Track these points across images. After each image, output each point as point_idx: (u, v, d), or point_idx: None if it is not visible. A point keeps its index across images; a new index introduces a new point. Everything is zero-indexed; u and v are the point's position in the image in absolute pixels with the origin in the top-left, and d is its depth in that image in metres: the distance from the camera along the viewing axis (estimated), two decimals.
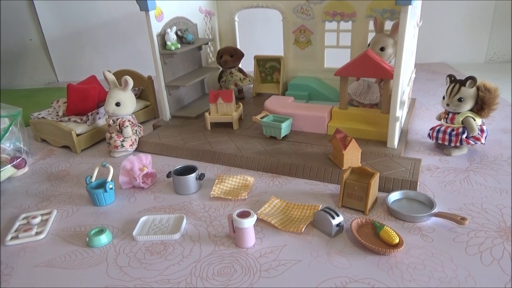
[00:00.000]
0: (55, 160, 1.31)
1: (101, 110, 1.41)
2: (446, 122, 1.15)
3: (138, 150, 1.31)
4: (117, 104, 1.26)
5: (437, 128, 1.16)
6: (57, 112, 1.48)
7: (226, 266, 0.76)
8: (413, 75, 1.46)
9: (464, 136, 1.10)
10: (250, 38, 1.96)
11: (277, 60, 1.61)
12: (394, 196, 0.94)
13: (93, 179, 1.04)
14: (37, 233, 0.90)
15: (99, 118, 1.41)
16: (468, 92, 1.08)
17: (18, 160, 1.20)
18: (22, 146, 1.25)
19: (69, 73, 2.49)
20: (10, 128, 1.22)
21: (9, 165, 1.17)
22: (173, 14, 1.42)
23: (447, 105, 1.12)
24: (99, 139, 1.41)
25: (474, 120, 1.09)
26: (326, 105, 1.32)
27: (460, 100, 1.09)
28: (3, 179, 1.15)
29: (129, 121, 1.28)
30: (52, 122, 1.38)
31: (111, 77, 1.27)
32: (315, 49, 1.54)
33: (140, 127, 1.36)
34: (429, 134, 1.19)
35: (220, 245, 0.82)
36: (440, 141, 1.15)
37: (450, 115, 1.13)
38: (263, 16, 2.12)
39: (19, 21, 2.35)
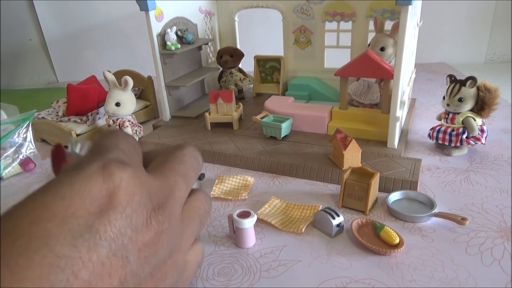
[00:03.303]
0: None
1: (101, 110, 1.41)
2: (446, 122, 1.15)
3: None
4: (117, 104, 1.25)
5: (437, 128, 1.16)
6: (57, 112, 1.48)
7: (226, 266, 0.76)
8: (413, 75, 1.46)
9: (464, 136, 1.10)
10: (250, 38, 1.96)
11: (277, 60, 1.61)
12: (394, 196, 0.93)
13: None
14: None
15: (99, 118, 1.41)
16: (468, 92, 1.08)
17: (28, 163, 1.23)
18: (34, 148, 1.27)
19: (69, 73, 2.49)
20: (12, 133, 1.23)
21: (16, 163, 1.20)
22: (173, 14, 1.42)
23: (447, 105, 1.12)
24: None
25: (475, 120, 1.09)
26: (326, 105, 1.32)
27: (460, 100, 1.09)
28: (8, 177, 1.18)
29: (129, 121, 1.28)
30: (52, 122, 1.38)
31: (111, 77, 1.27)
32: (315, 49, 1.53)
33: (140, 127, 1.36)
34: (429, 134, 1.19)
35: (220, 245, 0.82)
36: (440, 141, 1.15)
37: (450, 115, 1.13)
38: (263, 16, 2.12)
39: (19, 21, 2.35)
